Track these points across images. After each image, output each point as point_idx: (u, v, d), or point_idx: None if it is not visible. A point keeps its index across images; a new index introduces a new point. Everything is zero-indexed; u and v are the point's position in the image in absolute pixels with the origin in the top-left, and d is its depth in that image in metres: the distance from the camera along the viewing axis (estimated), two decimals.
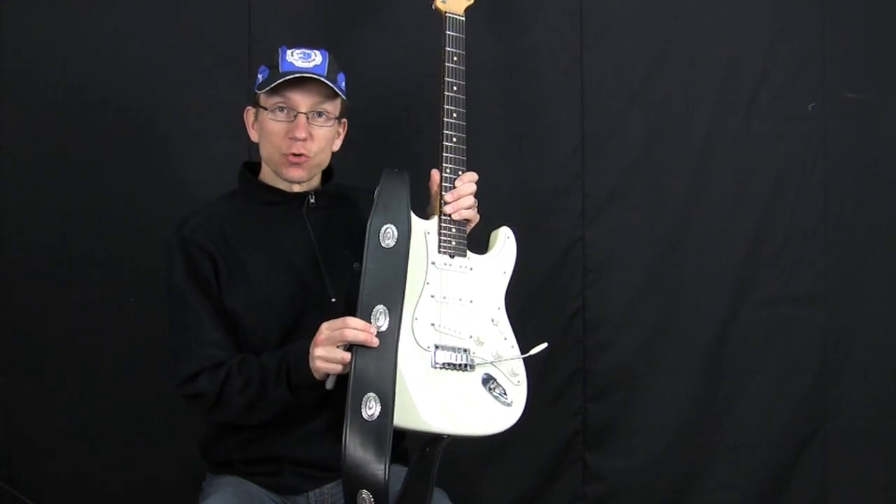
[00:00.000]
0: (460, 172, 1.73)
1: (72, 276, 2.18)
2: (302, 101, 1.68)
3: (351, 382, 1.51)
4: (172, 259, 1.70)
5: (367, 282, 1.57)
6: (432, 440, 1.61)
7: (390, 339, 1.54)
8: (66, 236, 2.18)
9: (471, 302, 1.69)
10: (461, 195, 1.71)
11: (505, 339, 1.69)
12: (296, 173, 1.71)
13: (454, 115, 1.74)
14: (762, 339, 2.31)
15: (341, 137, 1.81)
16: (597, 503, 2.31)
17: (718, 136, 2.28)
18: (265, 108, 1.70)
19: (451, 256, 1.69)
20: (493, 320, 1.70)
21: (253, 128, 1.76)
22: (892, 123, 2.31)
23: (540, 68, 2.25)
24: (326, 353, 1.54)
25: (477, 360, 1.64)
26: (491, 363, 1.65)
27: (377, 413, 1.49)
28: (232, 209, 1.75)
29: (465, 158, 1.73)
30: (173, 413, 2.16)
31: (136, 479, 2.21)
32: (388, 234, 1.60)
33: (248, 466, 1.72)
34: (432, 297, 1.66)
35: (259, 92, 1.71)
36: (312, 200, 1.76)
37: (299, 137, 1.67)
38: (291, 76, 1.65)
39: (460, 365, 1.63)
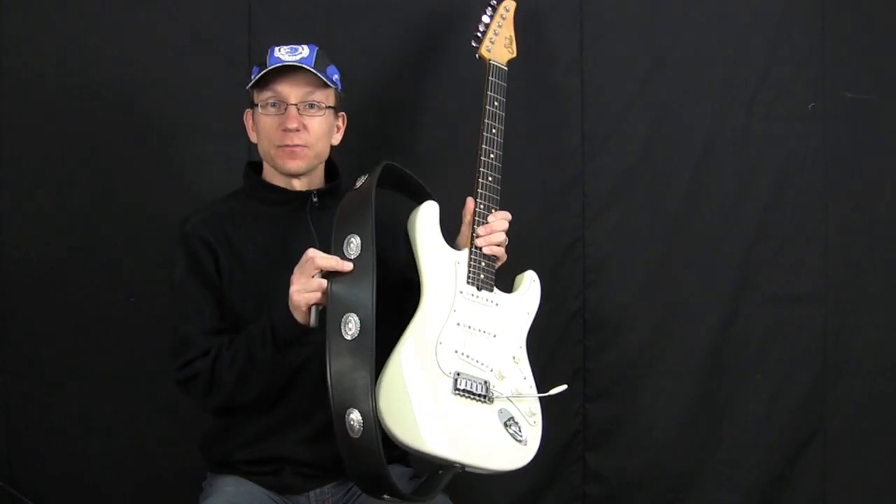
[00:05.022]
0: (493, 210, 1.75)
1: (72, 276, 2.18)
2: (291, 92, 1.70)
3: (329, 307, 1.50)
4: (175, 254, 1.72)
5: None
6: (445, 466, 1.61)
7: (365, 265, 1.52)
8: (66, 236, 2.18)
9: (494, 336, 1.70)
10: (494, 230, 1.73)
11: (524, 378, 1.71)
12: (292, 164, 1.72)
13: (491, 155, 1.80)
14: (762, 339, 2.31)
15: (341, 132, 1.82)
16: (597, 503, 2.31)
17: (718, 136, 2.28)
18: (257, 105, 1.72)
19: (479, 289, 1.71)
20: (514, 358, 1.71)
21: (252, 129, 1.78)
22: (892, 123, 2.31)
23: (540, 68, 2.25)
24: (302, 286, 1.53)
25: (496, 394, 1.65)
26: (509, 399, 1.66)
27: (357, 332, 1.48)
28: (234, 208, 1.76)
29: (498, 198, 1.77)
30: (173, 413, 2.17)
31: (136, 479, 2.21)
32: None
33: (248, 466, 1.72)
34: (458, 324, 1.66)
35: (252, 91, 1.73)
36: (315, 200, 1.76)
37: (290, 128, 1.68)
38: (276, 66, 1.68)
39: (480, 395, 1.63)
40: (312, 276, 1.53)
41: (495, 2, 1.91)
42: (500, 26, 1.89)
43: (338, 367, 1.47)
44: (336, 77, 1.77)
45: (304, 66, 1.69)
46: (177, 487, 2.08)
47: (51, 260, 2.18)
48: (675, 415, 2.31)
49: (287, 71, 1.70)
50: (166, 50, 2.18)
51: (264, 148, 1.74)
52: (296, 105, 1.70)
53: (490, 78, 1.84)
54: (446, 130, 2.24)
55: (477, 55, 1.87)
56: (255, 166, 1.82)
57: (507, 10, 1.92)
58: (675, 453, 2.31)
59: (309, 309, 1.54)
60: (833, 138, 2.29)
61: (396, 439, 1.54)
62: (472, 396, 1.62)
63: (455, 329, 1.66)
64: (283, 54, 1.71)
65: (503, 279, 1.79)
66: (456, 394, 1.61)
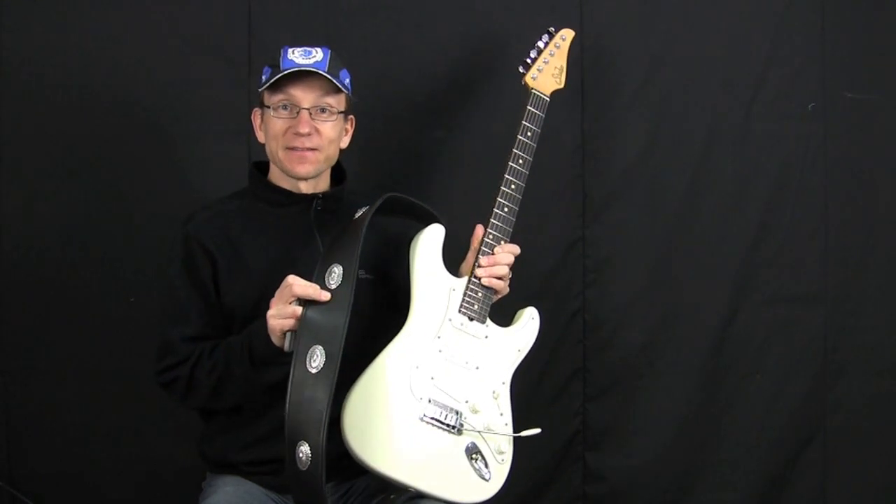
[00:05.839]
0: (503, 241, 1.73)
1: (72, 276, 2.18)
2: (304, 96, 1.69)
3: (298, 334, 1.52)
4: (173, 251, 1.72)
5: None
6: (398, 489, 1.60)
7: (343, 296, 1.53)
8: (67, 236, 2.18)
9: (477, 368, 1.68)
10: (497, 263, 1.71)
11: (501, 414, 1.68)
12: (302, 169, 1.72)
13: (513, 186, 1.75)
14: (762, 339, 2.31)
15: (349, 134, 1.82)
16: (597, 503, 2.31)
17: (718, 136, 2.28)
18: (268, 107, 1.71)
19: (470, 319, 1.69)
20: (494, 393, 1.69)
21: (260, 129, 1.77)
22: (892, 123, 2.31)
23: None
24: (278, 311, 1.55)
25: (466, 426, 1.63)
26: (479, 433, 1.64)
27: (322, 365, 1.48)
28: (239, 207, 1.76)
29: (511, 230, 1.73)
30: (173, 413, 2.16)
31: (136, 479, 2.21)
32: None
33: (248, 466, 1.72)
34: (440, 351, 1.65)
35: (263, 91, 1.72)
36: (320, 203, 1.76)
37: (302, 132, 1.68)
38: (291, 71, 1.67)
39: (448, 425, 1.62)
40: (290, 303, 1.54)
41: (553, 29, 1.87)
42: (551, 55, 1.84)
43: (296, 398, 1.48)
44: (347, 81, 1.76)
45: (318, 70, 1.68)
46: (177, 487, 2.08)
47: (51, 260, 2.18)
48: (675, 415, 2.31)
49: (300, 74, 1.68)
50: (166, 50, 2.17)
51: (272, 149, 1.73)
52: (308, 109, 1.69)
53: (529, 107, 1.80)
54: (447, 132, 2.23)
55: (522, 81, 1.83)
56: (261, 166, 1.82)
57: (564, 40, 1.86)
58: (675, 453, 2.31)
59: (283, 334, 1.55)
60: (833, 138, 2.29)
61: (353, 452, 1.54)
62: (439, 425, 1.61)
63: (436, 356, 1.65)
64: (297, 57, 1.69)
65: (504, 310, 1.78)
66: (423, 420, 1.60)
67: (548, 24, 2.24)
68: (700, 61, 2.27)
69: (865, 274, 2.32)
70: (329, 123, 1.72)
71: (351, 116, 1.81)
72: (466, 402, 1.65)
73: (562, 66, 1.85)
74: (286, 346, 1.55)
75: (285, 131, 1.70)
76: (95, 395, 2.19)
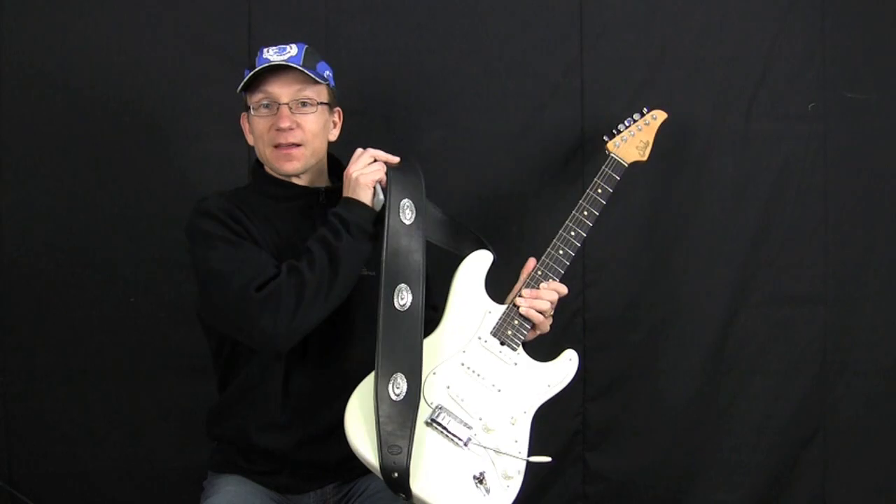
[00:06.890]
0: (551, 280, 1.77)
1: (72, 276, 2.18)
2: (281, 91, 1.70)
3: (390, 188, 1.66)
4: (202, 231, 1.66)
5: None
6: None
7: (411, 163, 1.73)
8: (67, 236, 2.18)
9: (499, 391, 1.69)
10: (539, 297, 1.74)
11: (516, 441, 1.66)
12: (290, 166, 1.73)
13: (572, 233, 1.83)
14: (762, 339, 2.31)
15: (338, 127, 1.82)
16: (597, 503, 2.31)
17: (718, 136, 2.28)
18: (250, 108, 1.71)
19: (501, 343, 1.71)
20: (512, 419, 1.68)
21: (249, 133, 1.78)
22: (892, 123, 2.31)
23: (540, 68, 2.25)
24: (363, 169, 1.66)
25: (474, 441, 1.62)
26: (486, 448, 1.62)
27: (413, 218, 1.64)
28: (244, 199, 1.75)
29: (562, 272, 1.79)
30: (173, 413, 2.17)
31: (136, 479, 2.21)
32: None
33: (249, 465, 1.72)
34: (462, 364, 1.67)
35: (244, 94, 1.73)
36: (323, 198, 1.76)
37: (283, 127, 1.69)
38: (264, 67, 1.68)
39: (455, 436, 1.61)
40: (369, 164, 1.66)
41: (647, 109, 2.02)
42: (640, 129, 1.99)
43: (393, 246, 1.61)
44: (327, 73, 1.77)
45: (292, 64, 1.68)
46: (177, 487, 2.08)
47: (51, 260, 2.18)
48: (675, 415, 2.31)
49: (277, 71, 1.69)
50: (166, 50, 2.17)
51: (260, 149, 1.75)
52: (287, 104, 1.70)
53: (605, 168, 1.92)
54: (447, 130, 2.24)
55: (606, 150, 1.96)
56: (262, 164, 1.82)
57: (654, 119, 2.01)
58: (675, 453, 2.31)
59: (374, 189, 1.64)
60: (833, 138, 2.29)
61: (352, 444, 1.54)
62: (446, 434, 1.60)
63: (457, 368, 1.66)
64: (272, 55, 1.71)
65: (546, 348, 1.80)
66: (430, 425, 1.60)
67: (548, 24, 2.25)
68: (700, 61, 2.27)
69: (865, 274, 2.31)
70: (311, 116, 1.72)
71: (337, 108, 1.81)
72: (480, 419, 1.65)
73: (648, 141, 1.99)
74: (378, 197, 1.65)
75: (269, 129, 1.70)
76: (95, 395, 2.20)
